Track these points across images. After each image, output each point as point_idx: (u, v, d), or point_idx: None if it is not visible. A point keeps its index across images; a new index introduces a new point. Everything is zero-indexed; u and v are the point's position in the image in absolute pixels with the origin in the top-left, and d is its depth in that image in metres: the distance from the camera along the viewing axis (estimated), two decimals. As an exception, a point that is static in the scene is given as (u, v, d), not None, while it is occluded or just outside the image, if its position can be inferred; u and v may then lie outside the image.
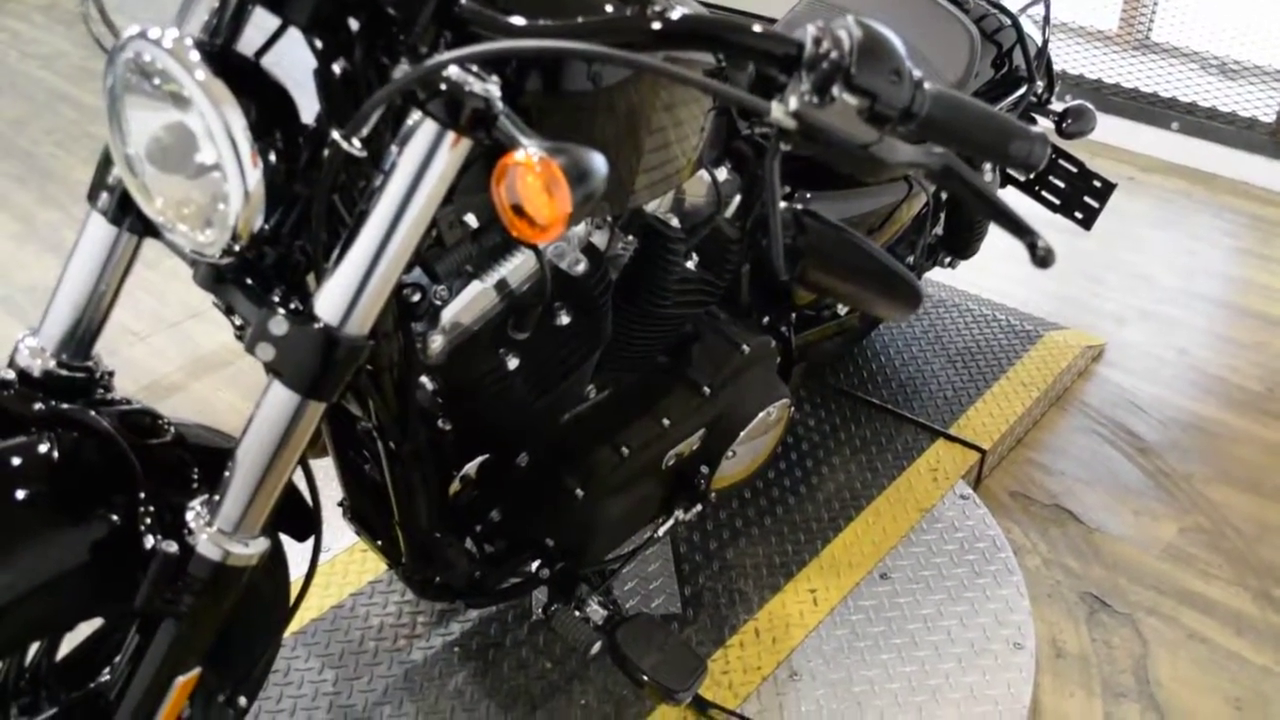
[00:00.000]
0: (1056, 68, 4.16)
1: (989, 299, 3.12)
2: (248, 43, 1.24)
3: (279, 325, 1.15)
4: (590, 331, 1.60)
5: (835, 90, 1.04)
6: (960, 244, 2.52)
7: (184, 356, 2.90)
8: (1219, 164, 3.93)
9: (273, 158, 1.17)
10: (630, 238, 1.68)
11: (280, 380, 1.17)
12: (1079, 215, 2.58)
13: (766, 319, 2.10)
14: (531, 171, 1.00)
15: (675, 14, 1.09)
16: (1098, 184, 2.54)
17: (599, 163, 1.02)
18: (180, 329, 3.01)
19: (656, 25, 1.08)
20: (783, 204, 1.75)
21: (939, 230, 2.53)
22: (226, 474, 1.23)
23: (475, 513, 1.75)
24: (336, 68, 1.21)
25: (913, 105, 1.08)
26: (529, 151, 1.00)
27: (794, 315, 2.17)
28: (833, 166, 1.36)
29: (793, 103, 1.03)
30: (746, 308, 2.04)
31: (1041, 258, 1.10)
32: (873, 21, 1.08)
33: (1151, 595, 2.29)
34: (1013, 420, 2.64)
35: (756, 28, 1.09)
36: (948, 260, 2.64)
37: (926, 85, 1.10)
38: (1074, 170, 2.56)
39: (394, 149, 1.15)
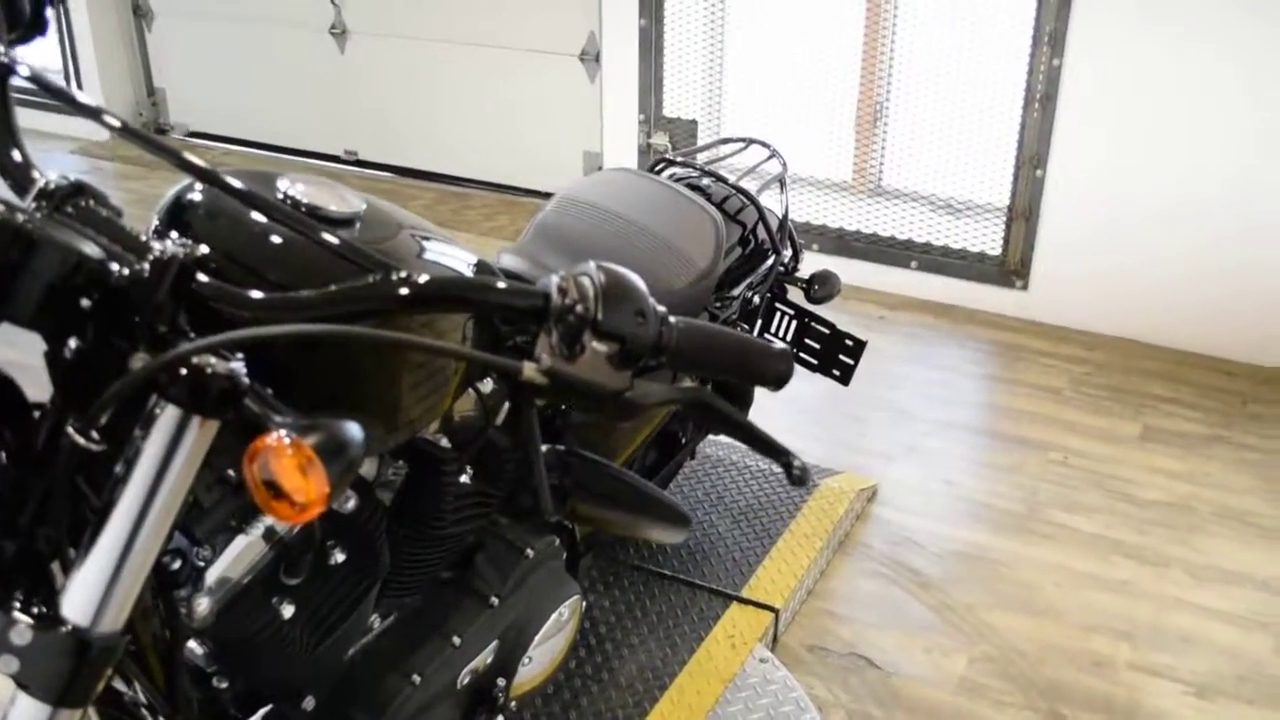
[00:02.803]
0: (801, 220, 4.44)
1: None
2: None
3: (21, 635, 1.07)
4: (367, 566, 1.57)
5: (584, 340, 1.07)
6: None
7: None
8: (958, 296, 4.22)
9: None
10: (400, 462, 1.66)
11: (27, 692, 1.09)
12: (836, 373, 2.71)
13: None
14: (284, 454, 0.98)
15: (422, 278, 1.10)
16: (849, 342, 2.68)
17: (354, 433, 1.01)
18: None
19: (404, 291, 1.10)
20: (545, 447, 1.77)
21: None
22: None
23: (265, 769, 1.66)
24: (68, 350, 1.17)
25: (661, 341, 1.13)
26: (280, 434, 0.99)
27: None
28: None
29: (544, 360, 1.05)
30: (529, 508, 2.04)
31: (798, 477, 1.15)
32: (612, 265, 1.13)
33: (952, 732, 2.37)
34: (801, 574, 2.70)
35: (501, 284, 1.12)
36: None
37: (672, 319, 1.15)
38: (827, 332, 2.70)
39: (137, 433, 1.11)
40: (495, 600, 1.84)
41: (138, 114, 6.31)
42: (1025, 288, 4.10)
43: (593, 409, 1.09)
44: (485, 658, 1.85)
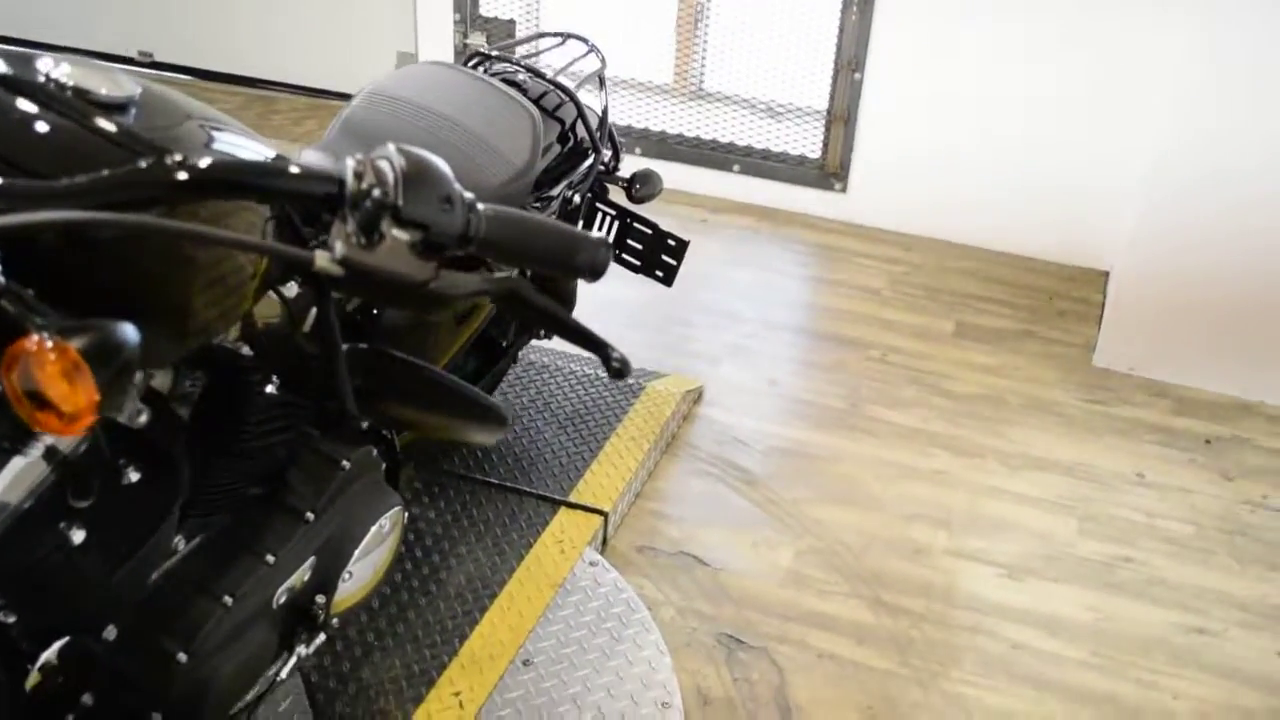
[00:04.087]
0: (623, 123, 4.37)
1: (591, 357, 3.18)
2: None
3: None
4: (166, 485, 1.46)
5: (383, 228, 0.99)
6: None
7: None
8: (779, 199, 4.24)
9: None
10: (198, 373, 1.55)
11: None
12: (660, 274, 2.68)
13: (366, 424, 2.02)
14: (46, 359, 0.88)
15: (203, 162, 1.00)
16: (672, 242, 2.65)
17: (126, 335, 0.91)
18: None
19: (181, 175, 0.99)
20: (348, 346, 1.67)
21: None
22: None
23: (64, 703, 1.55)
24: None
25: (469, 230, 1.05)
26: (40, 336, 0.88)
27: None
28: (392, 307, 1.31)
29: (339, 249, 0.97)
30: (341, 416, 1.95)
31: (617, 369, 1.11)
32: (415, 149, 1.05)
33: (779, 624, 2.40)
34: (629, 477, 2.69)
35: (294, 168, 1.03)
36: (541, 334, 2.67)
37: (481, 207, 1.08)
38: (649, 232, 2.66)
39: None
40: (310, 515, 1.75)
41: (-99, 10, 5.75)
42: (844, 190, 4.15)
43: (396, 302, 1.02)
44: (302, 575, 1.77)
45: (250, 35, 5.16)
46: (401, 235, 1.00)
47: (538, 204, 2.26)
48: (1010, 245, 3.98)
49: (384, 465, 2.03)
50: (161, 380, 1.49)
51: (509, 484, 2.64)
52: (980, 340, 3.48)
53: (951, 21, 3.80)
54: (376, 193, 0.98)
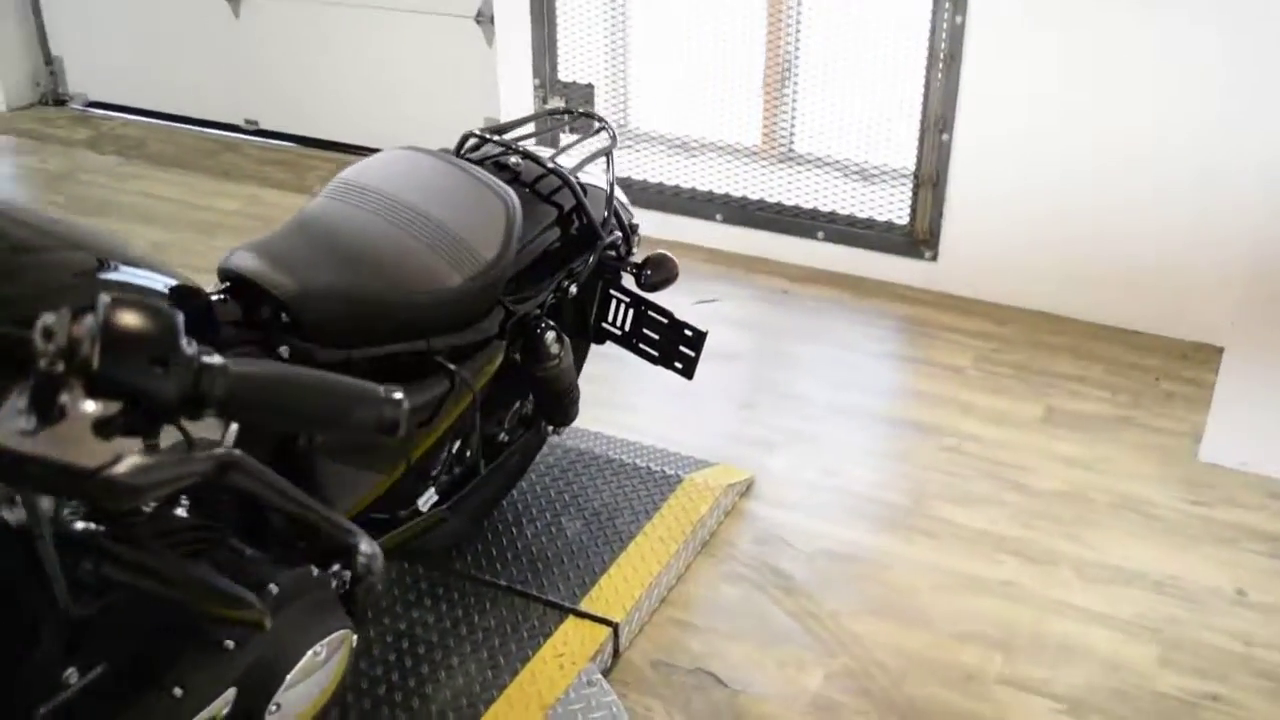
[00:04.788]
0: (709, 189, 4.18)
1: (637, 443, 2.99)
2: None
3: None
4: (35, 613, 1.33)
5: (66, 400, 0.82)
6: (555, 413, 2.37)
7: None
8: (865, 268, 3.98)
9: None
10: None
11: None
12: (679, 366, 2.48)
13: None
14: None
15: None
16: (689, 333, 2.44)
17: None
18: None
19: None
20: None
21: (527, 405, 2.39)
22: None
23: None
24: None
25: (199, 391, 0.88)
26: None
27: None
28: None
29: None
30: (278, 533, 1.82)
31: (363, 570, 0.92)
32: (134, 299, 0.88)
33: (796, 760, 2.15)
34: (649, 583, 2.48)
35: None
36: (550, 429, 2.49)
37: (225, 363, 0.90)
38: (665, 322, 2.45)
39: None
40: (230, 643, 1.61)
41: (35, 83, 6.02)
42: (934, 258, 3.86)
43: (62, 492, 0.85)
44: (220, 708, 1.63)
45: (344, 104, 5.20)
46: (91, 408, 0.83)
47: (517, 299, 2.09)
48: (1113, 318, 3.62)
49: (335, 584, 1.88)
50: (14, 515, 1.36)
51: (518, 587, 2.46)
52: (1071, 427, 3.14)
53: (1045, 77, 3.50)
54: (60, 364, 0.81)
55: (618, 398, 3.19)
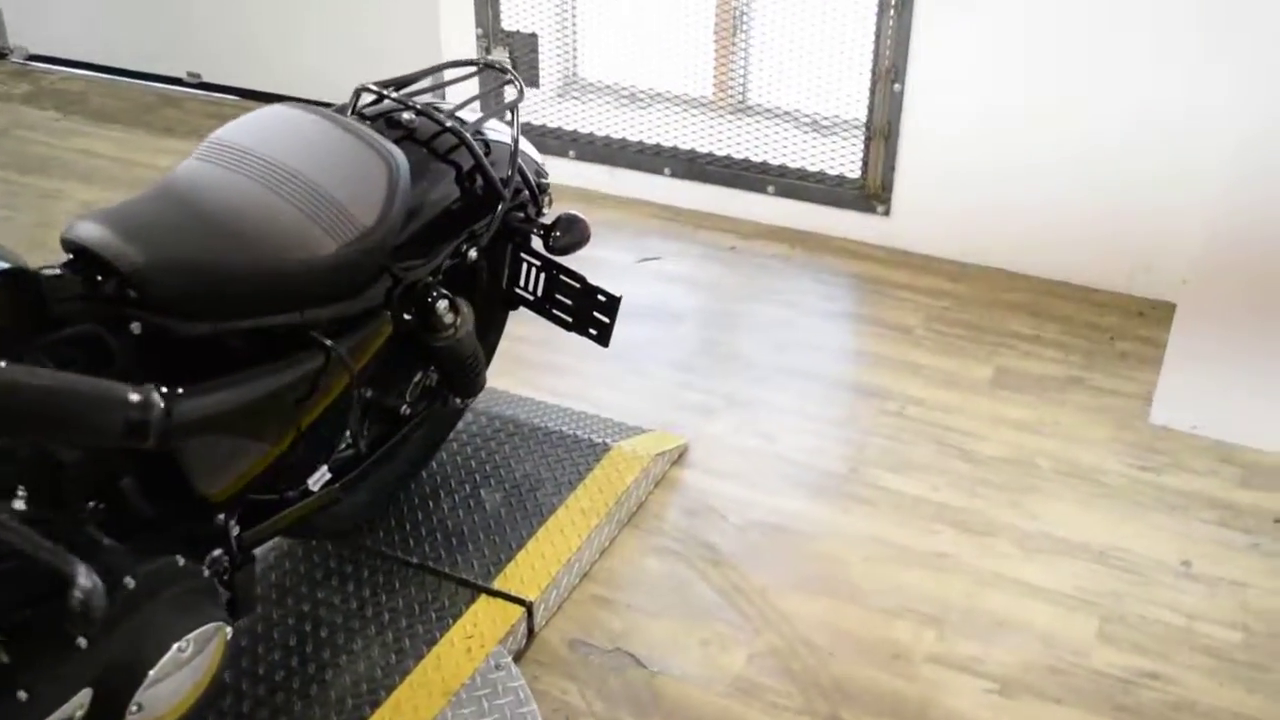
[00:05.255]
0: (658, 141, 4.03)
1: (567, 408, 2.87)
2: None
3: None
4: None
5: None
6: (459, 385, 2.24)
7: None
8: (817, 223, 3.84)
9: None
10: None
11: None
12: (593, 332, 2.35)
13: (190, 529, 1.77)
14: None
15: None
16: (602, 298, 2.31)
17: None
18: None
19: None
20: None
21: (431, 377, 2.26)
22: None
23: None
24: None
25: None
26: None
27: (234, 511, 1.82)
28: None
29: None
30: (149, 521, 1.70)
31: (77, 609, 0.82)
32: None
33: (712, 745, 2.05)
34: (566, 559, 2.37)
35: None
36: (459, 401, 2.36)
37: None
38: (577, 286, 2.32)
39: None
40: (82, 641, 1.50)
41: (-28, 36, 5.82)
42: (886, 213, 3.72)
43: None
44: (74, 710, 1.52)
45: (289, 55, 5.02)
46: None
47: (406, 265, 1.95)
48: (1071, 274, 3.50)
49: (208, 573, 1.77)
50: None
51: (430, 564, 2.35)
52: (1020, 389, 3.03)
53: (1002, 22, 3.35)
54: None
55: (548, 359, 3.07)
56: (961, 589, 2.38)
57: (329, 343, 1.76)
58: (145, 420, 0.89)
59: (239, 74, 5.22)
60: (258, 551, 1.97)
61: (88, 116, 5.11)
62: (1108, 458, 2.77)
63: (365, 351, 1.88)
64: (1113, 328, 3.30)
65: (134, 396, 0.88)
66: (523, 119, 4.19)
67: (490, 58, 2.33)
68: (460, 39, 4.24)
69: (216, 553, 1.82)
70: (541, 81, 4.21)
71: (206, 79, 5.31)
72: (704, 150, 4.00)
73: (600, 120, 4.15)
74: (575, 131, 4.18)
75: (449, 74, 2.46)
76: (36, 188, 4.37)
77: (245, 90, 5.23)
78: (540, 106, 4.21)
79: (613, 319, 2.31)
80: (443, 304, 1.97)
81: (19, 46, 5.80)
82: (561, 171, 4.11)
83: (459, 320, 2.01)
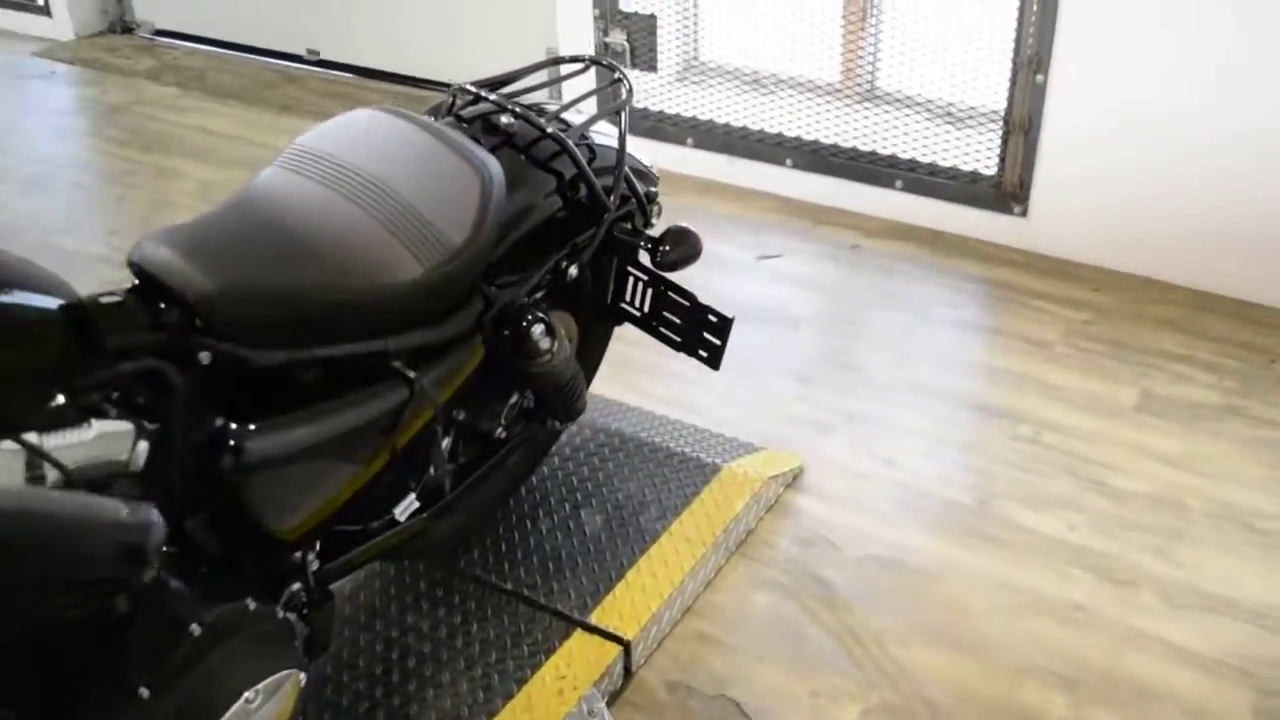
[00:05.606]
0: (780, 131, 3.84)
1: (677, 421, 2.72)
2: None
3: None
4: None
5: None
6: (556, 410, 2.11)
7: None
8: (947, 222, 3.61)
9: None
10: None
11: None
12: (703, 354, 2.19)
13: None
14: None
15: None
16: (714, 319, 2.14)
17: None
18: None
19: None
20: None
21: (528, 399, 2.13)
22: None
23: None
24: None
25: None
26: None
27: (312, 546, 1.72)
28: None
29: None
30: (220, 563, 1.61)
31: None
32: None
33: (818, 812, 1.89)
34: (668, 593, 2.22)
35: None
36: (556, 425, 2.23)
37: None
38: (686, 305, 2.16)
39: None
40: (145, 691, 1.42)
41: (103, 10, 5.89)
42: (1024, 213, 3.47)
43: None
44: (135, 763, 1.44)
45: (404, 35, 4.96)
46: None
47: (499, 284, 1.81)
48: (1227, 286, 3.21)
49: (282, 613, 1.67)
50: None
51: (525, 593, 2.23)
52: (1167, 417, 2.78)
53: (1163, 7, 3.06)
54: None
55: (653, 363, 2.90)
56: (1098, 647, 2.17)
57: (412, 374, 1.64)
58: (143, 543, 0.77)
59: (358, 52, 5.17)
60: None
61: (207, 93, 5.11)
62: (1266, 500, 2.51)
63: (453, 382, 1.75)
64: (1273, 349, 3.01)
65: (128, 517, 0.76)
66: (639, 104, 4.08)
67: (596, 55, 2.15)
68: (577, 20, 4.10)
69: (294, 587, 1.73)
70: (660, 65, 4.04)
71: (325, 56, 5.27)
72: (828, 140, 3.79)
73: (720, 106, 3.97)
74: (694, 118, 4.00)
75: (554, 71, 2.31)
76: (155, 166, 4.38)
77: (361, 68, 5.18)
78: (658, 91, 4.05)
79: (724, 341, 2.15)
80: (538, 328, 1.83)
81: (146, 21, 5.85)
82: (679, 160, 3.95)
83: (556, 345, 1.87)
